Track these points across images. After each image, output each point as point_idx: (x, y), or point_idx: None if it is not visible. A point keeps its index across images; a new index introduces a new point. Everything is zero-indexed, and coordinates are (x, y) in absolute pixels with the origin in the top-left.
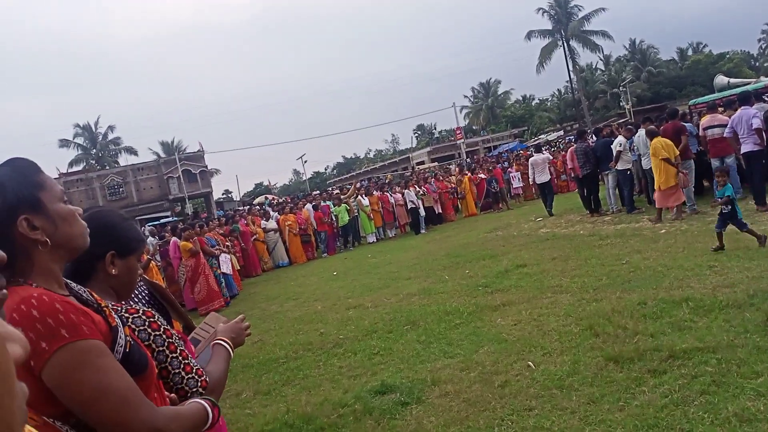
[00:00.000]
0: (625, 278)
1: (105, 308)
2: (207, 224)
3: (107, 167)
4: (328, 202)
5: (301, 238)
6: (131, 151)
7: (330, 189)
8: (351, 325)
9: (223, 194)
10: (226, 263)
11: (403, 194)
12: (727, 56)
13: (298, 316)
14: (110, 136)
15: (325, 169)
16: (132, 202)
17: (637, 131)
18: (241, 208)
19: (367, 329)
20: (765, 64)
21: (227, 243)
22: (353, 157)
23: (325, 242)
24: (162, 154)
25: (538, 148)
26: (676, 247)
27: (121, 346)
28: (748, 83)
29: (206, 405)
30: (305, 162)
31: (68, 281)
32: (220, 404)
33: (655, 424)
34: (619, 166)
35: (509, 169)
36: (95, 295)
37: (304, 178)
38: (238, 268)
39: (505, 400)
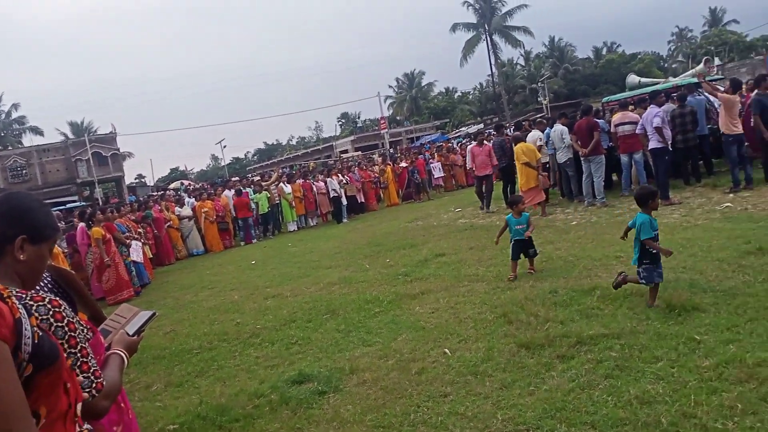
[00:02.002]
0: (538, 267)
1: (8, 299)
2: (118, 210)
3: (10, 147)
4: (247, 189)
5: (218, 226)
6: (37, 131)
7: (250, 175)
8: (269, 315)
9: (135, 179)
10: (137, 251)
11: (325, 182)
12: (639, 56)
13: (214, 306)
14: (14, 115)
15: (246, 155)
16: (36, 185)
17: (553, 126)
18: (155, 193)
19: (285, 319)
20: (673, 66)
21: (139, 230)
22: (275, 143)
23: (244, 230)
24: (71, 135)
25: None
26: (586, 238)
27: (29, 338)
28: (658, 83)
29: None
30: (224, 147)
31: None
32: (130, 397)
33: (563, 407)
34: None
35: (431, 160)
36: None
37: (222, 163)
38: (151, 256)
39: (422, 387)
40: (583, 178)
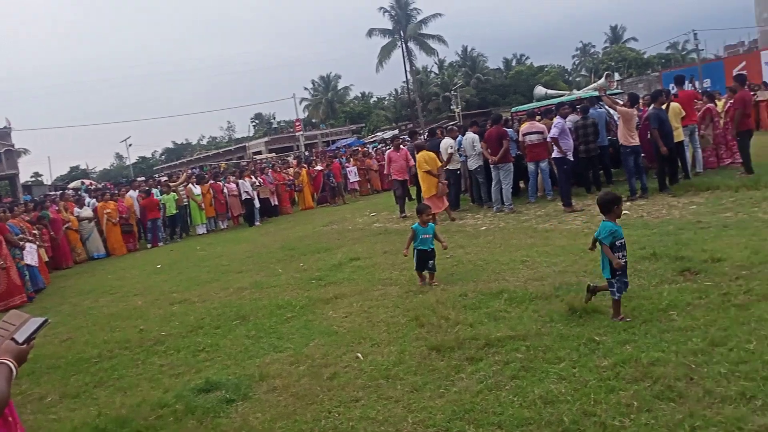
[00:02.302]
0: (449, 271)
1: None
2: (11, 210)
3: None
4: (154, 190)
5: (121, 228)
6: None
7: (157, 175)
8: (175, 321)
9: (31, 177)
10: (31, 254)
11: (237, 184)
12: (546, 69)
13: (115, 312)
14: None
15: (153, 155)
16: None
17: (464, 133)
18: (53, 193)
19: (192, 325)
20: (577, 79)
21: (34, 231)
22: (185, 142)
23: (152, 232)
24: None
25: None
26: (495, 243)
27: None
28: (563, 95)
29: None
30: (130, 145)
31: None
32: (21, 410)
33: (471, 409)
34: (450, 167)
35: (346, 164)
36: None
37: (127, 162)
38: (46, 259)
39: (333, 392)
40: (493, 185)
